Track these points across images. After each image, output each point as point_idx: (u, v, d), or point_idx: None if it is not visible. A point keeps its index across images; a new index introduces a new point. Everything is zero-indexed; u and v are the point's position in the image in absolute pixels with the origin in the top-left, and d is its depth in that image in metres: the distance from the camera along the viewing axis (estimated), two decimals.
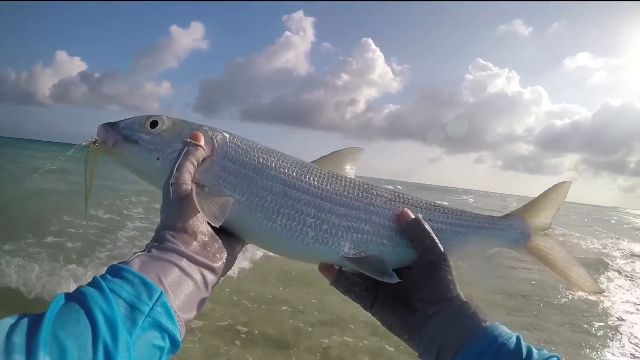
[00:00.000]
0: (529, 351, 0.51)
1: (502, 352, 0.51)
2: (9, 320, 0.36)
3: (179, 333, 0.47)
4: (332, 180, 0.66)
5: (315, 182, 0.64)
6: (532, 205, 0.74)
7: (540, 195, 0.74)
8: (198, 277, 0.51)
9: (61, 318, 0.38)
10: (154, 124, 0.62)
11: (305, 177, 0.63)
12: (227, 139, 0.63)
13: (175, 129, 0.63)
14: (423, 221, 0.64)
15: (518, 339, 0.53)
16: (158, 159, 0.61)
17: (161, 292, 0.45)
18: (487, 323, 0.55)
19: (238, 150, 0.63)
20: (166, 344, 0.45)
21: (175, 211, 0.53)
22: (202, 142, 0.60)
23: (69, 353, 0.36)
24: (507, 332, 0.54)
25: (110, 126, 0.61)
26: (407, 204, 0.68)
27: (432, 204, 0.71)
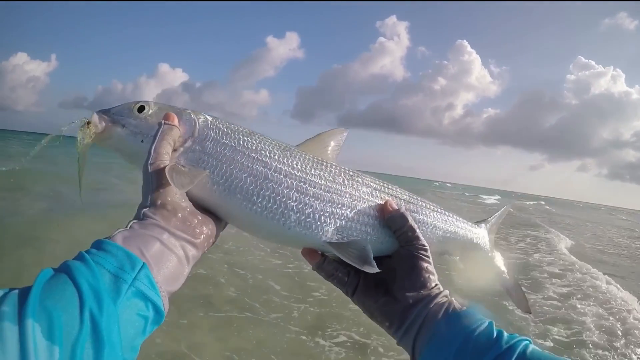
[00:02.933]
0: (500, 334, 0.52)
1: (474, 335, 0.53)
2: None
3: (162, 303, 0.48)
4: (317, 165, 0.66)
5: (299, 166, 0.64)
6: (493, 221, 0.85)
7: (498, 213, 0.87)
8: (179, 250, 0.53)
9: (49, 288, 0.40)
10: (141, 109, 0.64)
11: (287, 160, 0.64)
12: (209, 121, 0.64)
13: (159, 113, 0.64)
14: (407, 212, 0.65)
15: (490, 323, 0.55)
16: (142, 141, 0.62)
17: (143, 263, 0.47)
18: (463, 309, 0.58)
19: (219, 132, 0.63)
20: (150, 314, 0.47)
21: (155, 189, 0.54)
22: (175, 122, 0.61)
23: (57, 321, 0.37)
24: (481, 318, 0.56)
25: (103, 112, 0.64)
26: (391, 195, 0.69)
27: (416, 197, 0.72)
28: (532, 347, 0.50)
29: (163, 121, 0.60)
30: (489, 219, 0.85)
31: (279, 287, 4.23)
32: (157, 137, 0.58)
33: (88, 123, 0.61)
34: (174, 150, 0.60)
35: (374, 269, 0.59)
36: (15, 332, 0.34)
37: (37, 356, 0.34)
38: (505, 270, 0.80)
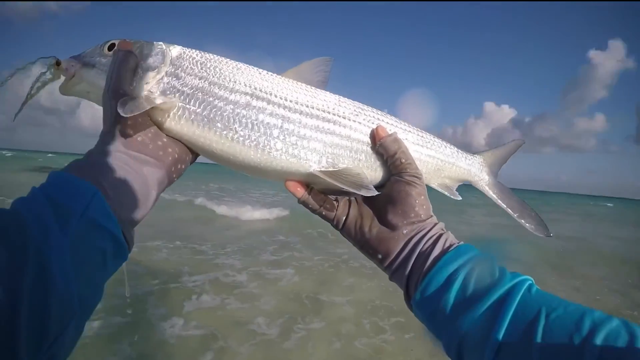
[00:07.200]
0: (502, 270, 0.50)
1: (476, 267, 0.50)
2: None
3: (122, 233, 0.47)
4: (301, 91, 0.62)
5: (282, 93, 0.61)
6: (492, 153, 0.81)
7: (501, 147, 0.82)
8: (142, 175, 0.51)
9: None
10: (111, 47, 0.61)
11: (268, 88, 0.60)
12: (181, 52, 0.61)
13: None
14: (400, 139, 0.62)
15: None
16: None
17: (96, 190, 0.45)
18: (460, 243, 0.55)
19: (193, 61, 0.61)
20: (108, 245, 0.45)
21: (115, 116, 0.52)
22: (130, 48, 0.58)
23: None
24: (479, 252, 0.53)
25: (73, 58, 0.62)
26: (383, 122, 0.65)
27: (408, 125, 0.69)
28: (535, 287, 0.48)
29: (117, 49, 0.58)
30: (488, 150, 0.82)
31: None
32: (115, 65, 0.56)
33: (58, 63, 0.58)
34: (146, 83, 0.57)
35: (371, 191, 0.55)
36: None
37: None
38: (511, 197, 0.77)
